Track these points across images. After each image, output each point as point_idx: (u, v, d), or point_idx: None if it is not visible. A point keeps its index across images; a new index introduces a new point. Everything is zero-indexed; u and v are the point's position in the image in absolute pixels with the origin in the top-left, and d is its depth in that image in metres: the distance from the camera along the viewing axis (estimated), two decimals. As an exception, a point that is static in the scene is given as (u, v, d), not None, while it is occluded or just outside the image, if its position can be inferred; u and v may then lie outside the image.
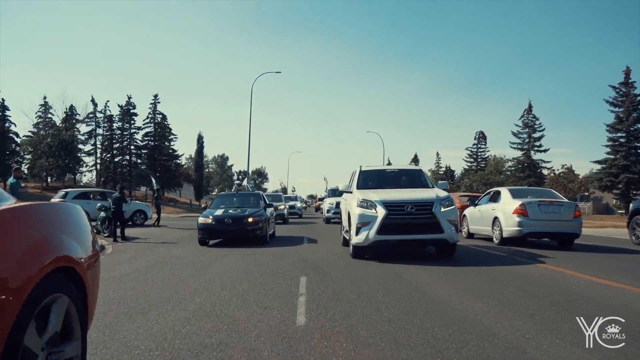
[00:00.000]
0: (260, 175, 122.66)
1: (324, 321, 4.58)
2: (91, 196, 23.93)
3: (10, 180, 11.54)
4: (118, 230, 14.33)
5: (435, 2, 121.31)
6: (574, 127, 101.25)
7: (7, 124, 53.73)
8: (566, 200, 13.15)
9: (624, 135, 42.20)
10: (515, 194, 12.96)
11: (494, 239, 12.66)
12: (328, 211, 23.41)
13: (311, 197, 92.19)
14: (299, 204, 31.36)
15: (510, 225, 12.04)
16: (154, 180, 25.88)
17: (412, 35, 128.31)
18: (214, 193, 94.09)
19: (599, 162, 43.17)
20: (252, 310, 5.07)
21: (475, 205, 14.63)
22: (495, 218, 12.68)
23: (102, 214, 16.18)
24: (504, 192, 13.39)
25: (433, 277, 7.17)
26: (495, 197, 13.65)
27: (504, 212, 12.39)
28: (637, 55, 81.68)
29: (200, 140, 75.03)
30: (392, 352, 3.66)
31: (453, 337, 3.98)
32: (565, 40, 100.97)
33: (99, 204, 17.56)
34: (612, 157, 41.52)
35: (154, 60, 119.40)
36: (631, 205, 14.65)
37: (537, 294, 5.85)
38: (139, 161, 60.25)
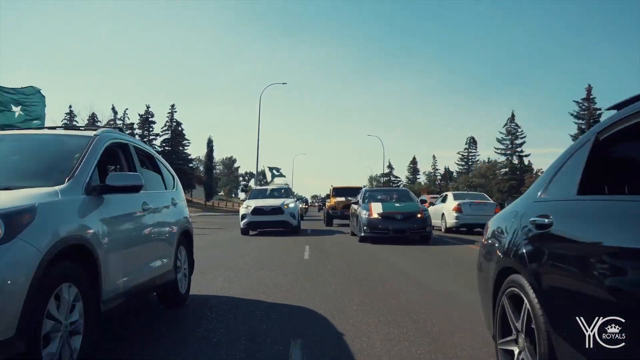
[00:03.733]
0: (266, 177, 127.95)
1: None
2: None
3: None
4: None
5: (435, 8, 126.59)
6: (565, 128, 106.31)
7: (40, 132, 59.43)
8: (491, 201, 18.51)
9: (585, 144, 47.35)
10: (456, 197, 18.22)
11: (442, 229, 17.96)
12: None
13: (315, 197, 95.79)
14: (292, 204, 16.50)
15: (450, 218, 17.34)
16: None
17: (411, 40, 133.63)
18: (221, 194, 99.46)
19: (564, 167, 48.68)
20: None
21: (433, 204, 19.98)
22: (442, 214, 18.02)
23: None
24: (449, 195, 18.72)
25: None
26: (444, 199, 18.99)
27: (447, 209, 17.71)
28: (600, 73, 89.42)
29: (210, 144, 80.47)
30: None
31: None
32: (561, 44, 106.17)
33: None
34: (576, 163, 47.05)
35: (162, 64, 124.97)
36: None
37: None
38: (156, 165, 65.91)
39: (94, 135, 3.74)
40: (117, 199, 3.56)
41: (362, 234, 12.76)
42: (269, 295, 5.64)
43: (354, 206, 14.85)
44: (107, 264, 3.17)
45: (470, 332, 4.01)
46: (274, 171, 26.53)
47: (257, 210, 15.69)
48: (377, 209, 12.87)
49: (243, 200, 18.00)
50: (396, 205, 13.48)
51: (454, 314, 4.72)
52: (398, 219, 12.58)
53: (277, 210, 15.89)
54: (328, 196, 25.18)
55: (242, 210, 16.19)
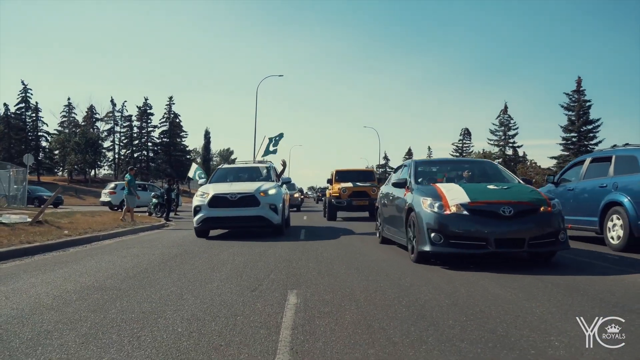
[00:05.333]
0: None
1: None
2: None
3: (127, 176, 15.00)
4: (172, 213, 20.48)
5: (430, 1, 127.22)
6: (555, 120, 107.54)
7: (39, 124, 60.32)
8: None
9: (575, 135, 48.89)
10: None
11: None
12: None
13: (312, 188, 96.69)
14: (272, 190, 11.12)
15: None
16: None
17: (407, 32, 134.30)
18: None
19: (555, 157, 50.10)
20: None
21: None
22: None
23: (154, 200, 22.31)
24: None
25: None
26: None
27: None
28: (589, 65, 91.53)
29: (207, 135, 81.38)
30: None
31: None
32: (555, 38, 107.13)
33: (152, 193, 23.83)
34: (566, 153, 48.35)
35: (160, 56, 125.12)
36: None
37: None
38: (154, 156, 66.71)
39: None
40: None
41: (428, 248, 6.20)
42: (270, 262, 6.57)
43: (393, 191, 8.28)
44: None
45: (435, 285, 4.95)
46: (272, 142, 19.27)
47: (217, 200, 10.52)
48: (457, 196, 6.33)
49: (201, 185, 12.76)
50: (491, 188, 6.69)
51: (432, 280, 5.65)
52: (506, 216, 6.06)
53: (249, 199, 10.55)
54: (330, 182, 18.98)
55: (195, 201, 10.80)
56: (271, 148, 18.31)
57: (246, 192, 10.70)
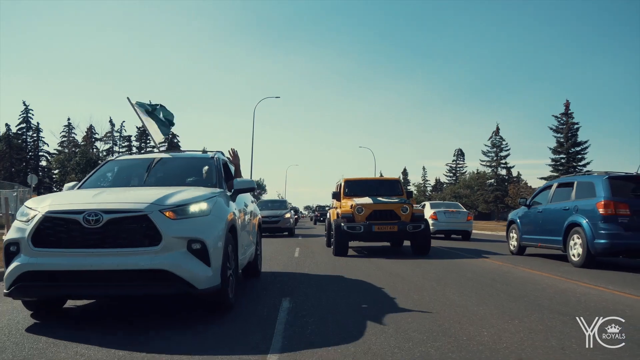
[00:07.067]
0: (259, 187, 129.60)
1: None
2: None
3: None
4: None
5: (426, 26, 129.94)
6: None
7: (40, 144, 61.35)
8: (464, 209, 20.45)
9: (564, 157, 50.32)
10: (432, 206, 20.14)
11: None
12: None
13: (307, 207, 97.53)
14: (200, 204, 4.52)
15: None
16: None
17: (402, 55, 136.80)
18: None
19: (544, 178, 51.19)
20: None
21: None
22: (420, 221, 19.89)
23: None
24: (427, 204, 20.67)
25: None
26: (422, 208, 20.97)
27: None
28: (577, 88, 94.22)
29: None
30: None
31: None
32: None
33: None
34: (555, 174, 49.69)
35: (159, 76, 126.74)
36: (509, 215, 13.22)
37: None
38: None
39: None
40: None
41: None
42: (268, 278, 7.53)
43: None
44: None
45: (405, 294, 5.92)
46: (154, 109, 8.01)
47: (53, 229, 4.15)
48: None
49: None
50: None
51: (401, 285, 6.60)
52: None
53: (131, 226, 4.18)
54: (336, 196, 13.01)
55: (10, 231, 4.35)
56: (162, 116, 8.70)
57: (126, 210, 4.29)
